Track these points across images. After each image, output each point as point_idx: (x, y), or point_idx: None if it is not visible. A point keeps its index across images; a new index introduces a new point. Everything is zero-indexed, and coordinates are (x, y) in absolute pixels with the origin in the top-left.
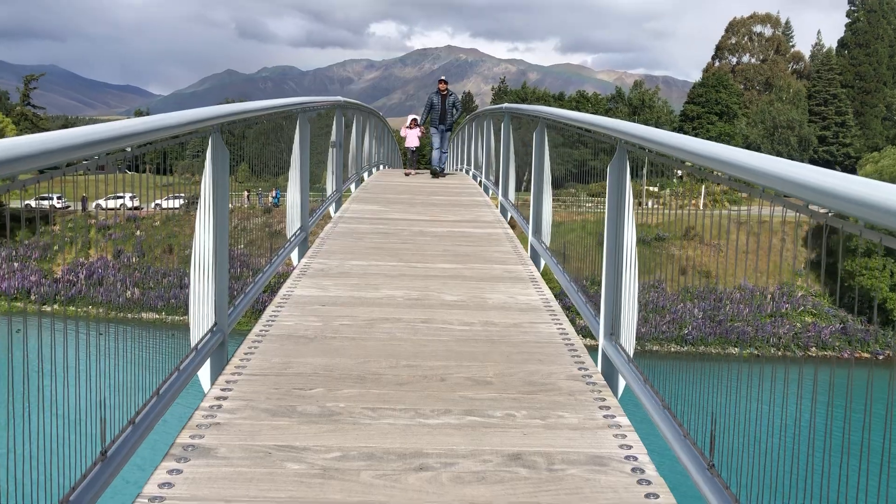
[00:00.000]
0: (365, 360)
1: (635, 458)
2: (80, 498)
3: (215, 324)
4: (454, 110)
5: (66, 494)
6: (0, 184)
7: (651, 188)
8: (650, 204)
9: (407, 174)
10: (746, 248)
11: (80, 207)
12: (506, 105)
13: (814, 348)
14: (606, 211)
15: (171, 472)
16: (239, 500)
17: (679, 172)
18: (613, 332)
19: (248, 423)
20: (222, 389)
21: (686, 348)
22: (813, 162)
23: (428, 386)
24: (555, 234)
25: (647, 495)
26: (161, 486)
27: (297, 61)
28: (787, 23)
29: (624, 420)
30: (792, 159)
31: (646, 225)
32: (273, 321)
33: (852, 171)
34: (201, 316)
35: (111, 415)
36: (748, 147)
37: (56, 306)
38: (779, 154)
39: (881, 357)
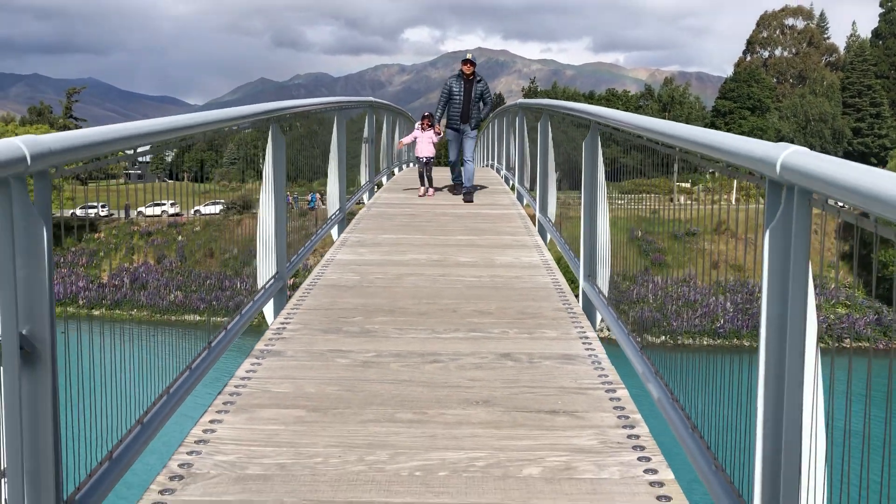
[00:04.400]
0: (394, 300)
1: (596, 356)
2: (198, 367)
3: (277, 272)
4: (481, 103)
5: (189, 363)
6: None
7: (683, 184)
8: (682, 200)
9: (421, 194)
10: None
11: (123, 215)
12: (519, 101)
13: (847, 339)
14: (583, 176)
15: (252, 364)
16: (303, 378)
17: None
18: (591, 275)
19: (306, 337)
20: (285, 319)
21: (719, 342)
22: (847, 154)
23: (443, 315)
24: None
25: (599, 375)
26: (247, 371)
27: (331, 68)
28: (822, 15)
29: (592, 334)
30: (825, 152)
31: (678, 220)
32: (320, 277)
33: (885, 163)
34: (266, 265)
35: (216, 315)
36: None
37: (104, 310)
38: (811, 147)
39: None
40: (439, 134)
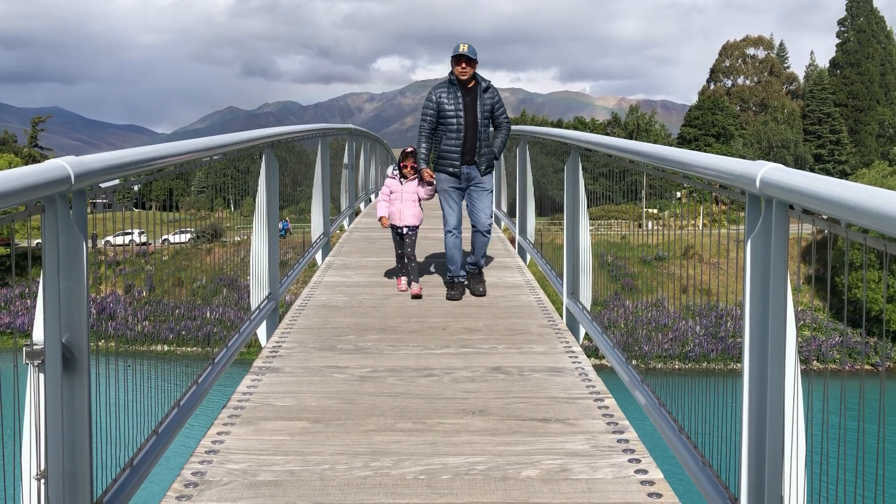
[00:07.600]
0: (384, 319)
1: (583, 369)
2: (204, 380)
3: (270, 293)
4: (489, 125)
5: (196, 377)
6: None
7: (651, 210)
8: (650, 225)
9: (401, 288)
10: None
11: (90, 244)
12: None
13: (816, 361)
14: (565, 198)
15: (252, 380)
16: (303, 393)
17: (678, 194)
18: (574, 293)
19: (302, 355)
20: (279, 338)
21: (689, 365)
22: None
23: (433, 332)
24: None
25: (587, 386)
26: (248, 387)
27: (300, 97)
28: (782, 45)
29: (578, 349)
30: None
31: (646, 245)
32: (310, 298)
33: None
34: (259, 288)
35: (218, 336)
36: None
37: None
38: None
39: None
40: (432, 183)
